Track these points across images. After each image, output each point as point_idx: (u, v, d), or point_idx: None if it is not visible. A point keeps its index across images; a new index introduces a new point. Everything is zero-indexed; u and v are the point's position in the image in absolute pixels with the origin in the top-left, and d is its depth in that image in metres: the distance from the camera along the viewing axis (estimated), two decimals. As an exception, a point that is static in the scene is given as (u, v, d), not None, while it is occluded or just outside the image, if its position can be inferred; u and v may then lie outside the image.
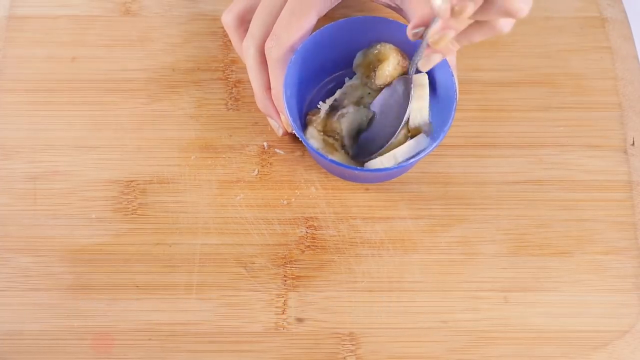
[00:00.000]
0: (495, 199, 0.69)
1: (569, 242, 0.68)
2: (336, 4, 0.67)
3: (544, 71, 0.73)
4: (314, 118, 0.68)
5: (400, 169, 0.66)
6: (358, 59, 0.69)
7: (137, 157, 0.70)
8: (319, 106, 0.69)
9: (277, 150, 0.70)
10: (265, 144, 0.71)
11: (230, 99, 0.72)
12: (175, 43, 0.74)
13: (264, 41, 0.66)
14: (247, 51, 0.67)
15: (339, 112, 0.68)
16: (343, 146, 0.68)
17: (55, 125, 0.71)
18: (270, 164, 0.70)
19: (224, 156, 0.70)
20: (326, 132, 0.68)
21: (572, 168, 0.70)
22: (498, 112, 0.72)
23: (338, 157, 0.67)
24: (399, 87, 0.67)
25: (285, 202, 0.69)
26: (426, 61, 0.64)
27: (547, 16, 0.75)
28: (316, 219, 0.68)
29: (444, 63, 0.65)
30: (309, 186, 0.69)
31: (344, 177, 0.69)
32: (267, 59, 0.66)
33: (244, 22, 0.68)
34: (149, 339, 0.65)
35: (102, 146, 0.70)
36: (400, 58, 0.67)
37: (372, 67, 0.68)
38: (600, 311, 0.66)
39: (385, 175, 0.68)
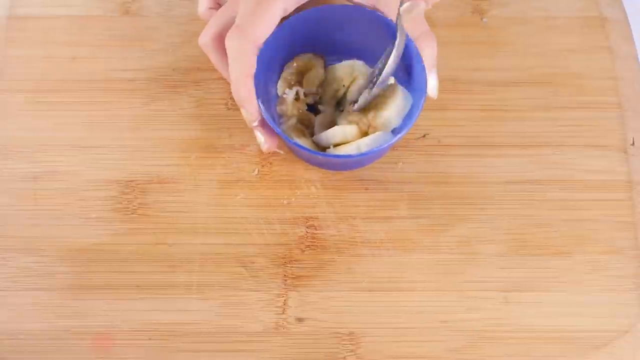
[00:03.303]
0: (495, 199, 0.69)
1: (569, 242, 0.68)
2: (305, 1, 0.65)
3: (544, 71, 0.73)
4: (284, 108, 0.67)
5: (366, 156, 0.64)
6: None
7: (137, 157, 0.70)
8: (285, 95, 0.67)
9: (277, 150, 0.70)
10: (265, 143, 0.70)
11: (230, 98, 0.72)
12: (175, 43, 0.74)
13: (222, 32, 0.64)
14: (202, 39, 0.65)
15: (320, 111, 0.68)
16: (312, 135, 0.68)
17: (55, 125, 0.71)
18: (270, 163, 0.70)
19: (224, 156, 0.70)
20: (302, 121, 0.67)
21: (572, 168, 0.70)
22: (498, 112, 0.72)
23: (305, 142, 0.66)
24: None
25: (285, 201, 0.69)
26: (408, 10, 0.61)
27: (547, 16, 0.75)
28: (316, 218, 0.68)
29: (419, 58, 0.64)
30: (309, 186, 0.69)
31: (311, 162, 0.68)
32: (227, 51, 0.63)
33: (223, 41, 0.65)
34: (149, 339, 0.65)
35: (102, 146, 0.70)
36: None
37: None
38: (600, 311, 0.66)
39: (351, 162, 0.67)
